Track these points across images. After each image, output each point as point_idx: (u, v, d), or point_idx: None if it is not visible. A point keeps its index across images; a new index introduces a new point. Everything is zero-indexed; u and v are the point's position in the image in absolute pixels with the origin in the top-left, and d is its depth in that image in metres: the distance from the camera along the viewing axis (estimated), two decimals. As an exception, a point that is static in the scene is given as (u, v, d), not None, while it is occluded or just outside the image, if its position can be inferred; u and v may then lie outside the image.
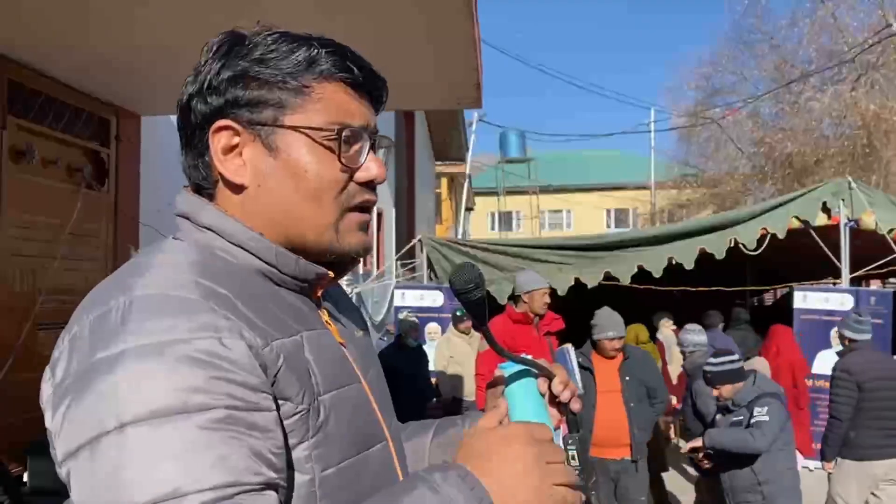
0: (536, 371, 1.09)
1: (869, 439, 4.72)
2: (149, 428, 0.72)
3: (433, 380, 7.26)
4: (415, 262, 9.55)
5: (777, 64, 20.47)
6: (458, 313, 7.62)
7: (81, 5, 3.00)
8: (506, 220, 28.56)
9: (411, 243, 9.41)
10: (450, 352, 7.32)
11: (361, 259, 1.04)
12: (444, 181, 20.69)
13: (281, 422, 0.82)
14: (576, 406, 1.09)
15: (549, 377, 1.08)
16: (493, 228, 33.10)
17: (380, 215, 11.80)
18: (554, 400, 1.09)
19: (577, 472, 1.08)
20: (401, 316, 7.79)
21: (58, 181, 4.07)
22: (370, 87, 0.98)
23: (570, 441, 1.08)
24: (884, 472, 4.76)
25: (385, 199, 12.34)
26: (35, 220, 3.86)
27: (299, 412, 0.84)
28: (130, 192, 4.71)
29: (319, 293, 1.01)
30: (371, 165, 0.96)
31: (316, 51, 0.93)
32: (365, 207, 0.98)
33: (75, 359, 0.78)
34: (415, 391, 6.26)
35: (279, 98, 0.92)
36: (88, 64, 3.77)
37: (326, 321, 1.00)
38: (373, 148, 0.98)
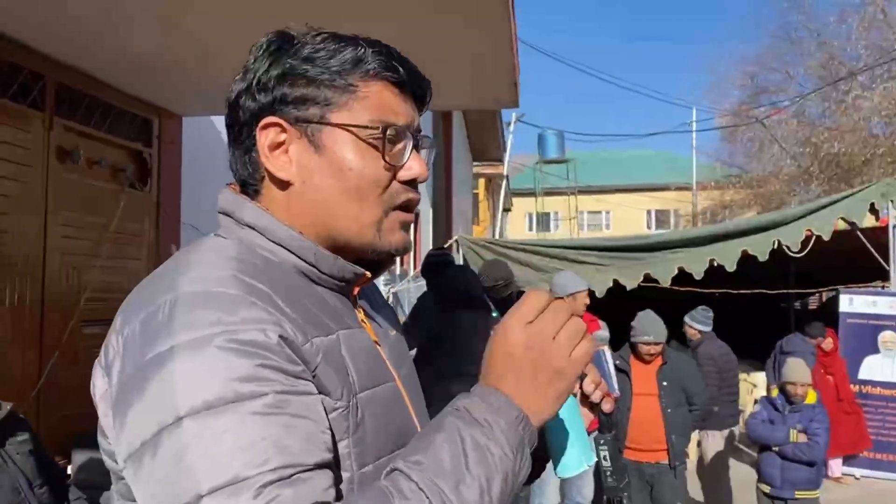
0: (567, 371, 1.08)
1: (727, 411, 5.96)
2: (205, 418, 0.74)
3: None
4: (452, 263, 9.53)
5: (824, 61, 19.98)
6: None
7: (126, 8, 3.06)
8: (544, 221, 28.38)
9: (448, 243, 9.40)
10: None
11: (398, 258, 1.04)
12: (481, 182, 20.67)
13: (325, 410, 0.83)
14: (607, 407, 1.08)
15: (580, 377, 1.07)
16: (530, 229, 32.97)
17: (416, 215, 11.83)
18: (585, 400, 1.08)
19: (608, 473, 1.06)
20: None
21: (102, 181, 4.16)
22: (414, 88, 0.99)
23: (601, 442, 1.07)
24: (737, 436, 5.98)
25: (422, 200, 12.35)
26: (80, 219, 3.95)
27: (339, 408, 0.85)
28: (172, 192, 4.79)
29: (356, 292, 1.02)
30: (414, 164, 0.97)
31: (363, 50, 0.94)
32: (408, 206, 0.99)
33: (129, 360, 0.81)
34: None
35: (326, 96, 0.93)
36: (132, 66, 3.85)
37: (362, 320, 1.01)
38: (416, 147, 0.99)
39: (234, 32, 3.26)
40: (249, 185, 0.99)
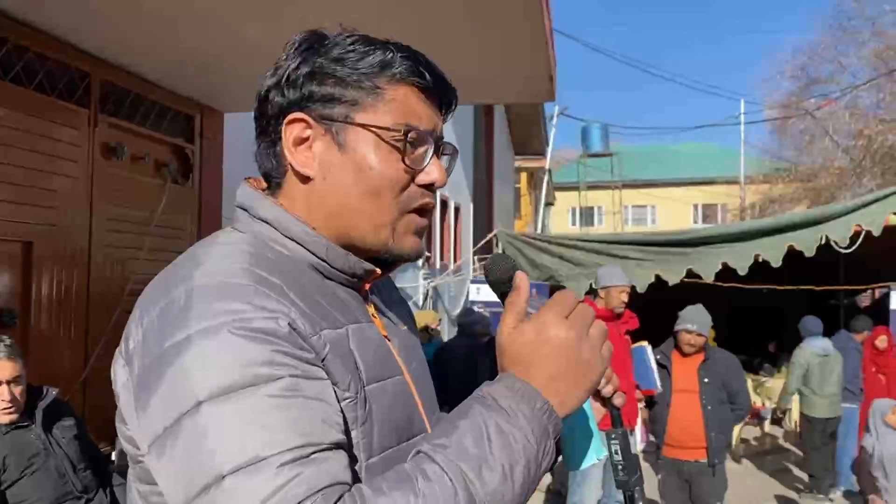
0: (578, 365, 1.07)
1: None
2: (223, 403, 0.76)
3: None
4: (491, 257, 9.51)
5: (879, 51, 19.36)
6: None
7: (169, 7, 3.13)
8: (587, 215, 28.09)
9: (487, 237, 9.39)
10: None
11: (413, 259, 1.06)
12: (523, 176, 20.57)
13: (336, 396, 0.85)
14: (618, 401, 1.08)
15: None
16: (573, 224, 32.67)
17: (457, 209, 11.84)
18: (597, 394, 1.08)
19: (619, 467, 1.06)
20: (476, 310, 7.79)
21: (145, 176, 4.27)
22: (440, 94, 1.01)
23: (612, 436, 1.06)
24: None
25: (463, 194, 12.38)
26: (124, 214, 4.06)
27: (347, 399, 0.87)
28: (213, 187, 4.89)
29: (368, 287, 1.04)
30: (433, 169, 0.99)
31: (391, 54, 0.96)
32: (423, 210, 1.01)
33: (149, 349, 0.84)
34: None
35: (352, 96, 0.95)
36: (175, 63, 3.94)
37: (373, 314, 1.03)
38: (437, 153, 1.01)
39: (275, 30, 3.32)
40: (272, 177, 1.01)
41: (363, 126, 0.95)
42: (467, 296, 9.38)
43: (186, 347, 0.79)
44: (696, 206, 34.41)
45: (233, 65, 3.92)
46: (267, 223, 0.97)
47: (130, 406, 0.86)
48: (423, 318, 7.29)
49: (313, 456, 0.76)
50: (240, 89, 4.40)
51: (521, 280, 0.96)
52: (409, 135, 0.95)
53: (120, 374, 0.89)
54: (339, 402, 0.85)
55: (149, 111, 4.30)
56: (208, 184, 4.84)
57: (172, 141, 4.54)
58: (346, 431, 0.85)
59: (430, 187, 1.00)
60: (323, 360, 0.86)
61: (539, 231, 17.91)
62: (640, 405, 5.10)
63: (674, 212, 33.32)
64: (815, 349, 7.14)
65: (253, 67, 3.92)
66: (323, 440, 0.78)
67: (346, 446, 0.82)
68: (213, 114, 4.85)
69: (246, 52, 3.67)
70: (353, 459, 0.86)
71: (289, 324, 0.83)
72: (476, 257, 9.75)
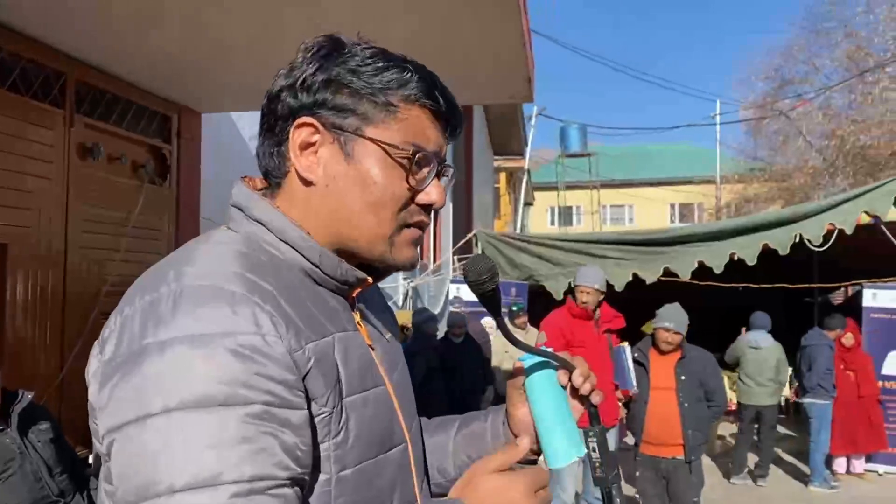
0: (556, 363, 1.10)
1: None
2: (193, 415, 0.76)
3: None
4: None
5: (851, 52, 19.65)
6: (514, 308, 7.60)
7: (146, 7, 3.11)
8: (566, 215, 28.22)
9: (467, 237, 9.41)
10: (505, 346, 7.32)
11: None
12: (502, 176, 20.64)
13: (311, 419, 0.86)
14: (596, 399, 1.10)
15: (570, 369, 1.09)
16: (552, 223, 32.84)
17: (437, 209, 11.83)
18: (575, 392, 1.10)
19: (597, 464, 1.08)
20: (451, 309, 7.83)
21: (122, 177, 4.22)
22: (449, 118, 1.03)
23: (590, 433, 1.08)
24: None
25: (442, 194, 12.37)
26: (100, 215, 4.01)
27: (322, 413, 0.88)
28: (191, 188, 4.85)
29: (356, 294, 1.04)
30: (433, 191, 1.01)
31: (409, 74, 0.97)
32: (420, 226, 1.02)
33: (125, 339, 0.82)
34: (464, 384, 6.29)
35: (365, 110, 0.96)
36: (152, 64, 3.90)
37: (358, 323, 1.03)
38: (438, 175, 1.02)
39: (254, 31, 3.31)
40: (272, 176, 1.01)
41: (373, 140, 0.96)
42: (447, 295, 9.41)
43: (168, 349, 0.79)
44: (672, 206, 34.73)
45: (210, 66, 3.90)
46: (262, 224, 0.97)
47: (96, 393, 0.84)
48: (398, 317, 7.30)
49: (267, 491, 0.76)
50: (217, 90, 4.38)
51: (525, 444, 1.02)
52: (417, 155, 0.97)
53: (92, 363, 0.87)
54: (313, 418, 0.86)
55: (125, 111, 4.26)
56: (186, 185, 4.80)
57: (149, 141, 4.50)
58: (315, 454, 0.86)
59: (428, 207, 1.01)
60: (304, 377, 0.86)
61: (518, 231, 17.94)
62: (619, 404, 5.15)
63: (651, 211, 33.61)
64: (749, 341, 7.71)
65: (231, 68, 3.94)
66: (279, 474, 0.78)
67: (302, 480, 0.83)
68: (190, 114, 4.81)
69: (224, 54, 3.65)
70: (322, 473, 0.88)
71: (277, 339, 0.83)
72: (456, 257, 9.77)
